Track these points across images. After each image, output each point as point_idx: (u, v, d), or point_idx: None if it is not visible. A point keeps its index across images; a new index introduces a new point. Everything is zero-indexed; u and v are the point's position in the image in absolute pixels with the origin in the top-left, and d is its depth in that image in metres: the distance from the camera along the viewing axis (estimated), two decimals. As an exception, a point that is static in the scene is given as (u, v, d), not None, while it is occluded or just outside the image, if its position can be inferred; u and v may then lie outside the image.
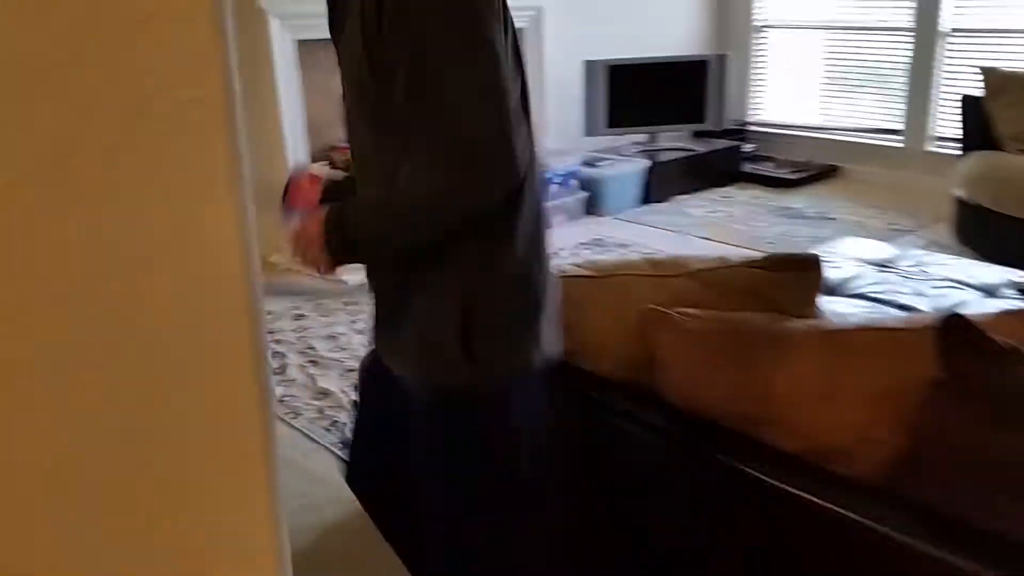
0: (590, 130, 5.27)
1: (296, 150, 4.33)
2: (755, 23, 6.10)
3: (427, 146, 1.13)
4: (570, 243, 4.50)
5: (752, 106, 6.20)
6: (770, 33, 6.07)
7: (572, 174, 4.99)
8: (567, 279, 1.62)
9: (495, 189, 1.14)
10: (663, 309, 1.39)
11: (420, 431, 1.32)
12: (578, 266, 1.66)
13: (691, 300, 1.44)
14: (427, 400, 1.30)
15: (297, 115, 4.32)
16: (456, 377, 1.25)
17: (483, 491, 1.32)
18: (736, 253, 4.04)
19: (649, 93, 5.34)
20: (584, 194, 5.05)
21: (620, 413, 1.48)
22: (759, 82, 6.19)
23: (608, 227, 4.86)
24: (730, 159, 5.75)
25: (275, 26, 4.12)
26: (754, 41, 6.13)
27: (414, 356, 1.28)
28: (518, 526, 1.35)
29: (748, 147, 5.87)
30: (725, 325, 1.35)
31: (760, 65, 6.15)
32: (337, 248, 1.23)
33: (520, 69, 1.22)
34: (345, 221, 1.22)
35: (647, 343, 1.42)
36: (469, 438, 1.30)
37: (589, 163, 5.21)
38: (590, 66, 5.14)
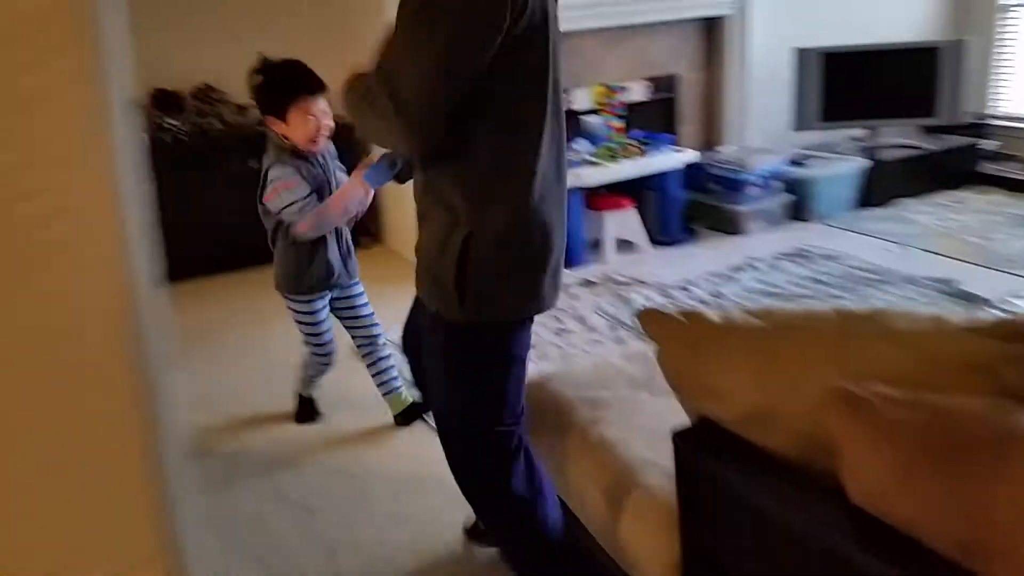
0: (800, 124, 4.78)
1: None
2: (1001, 1, 5.29)
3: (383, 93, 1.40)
4: (768, 252, 4.09)
5: (994, 97, 5.39)
6: (1021, 13, 5.24)
7: (775, 174, 4.55)
8: (734, 327, 1.35)
9: (412, 143, 1.43)
10: (853, 388, 1.08)
11: (426, 337, 1.67)
12: (749, 312, 1.37)
13: (890, 373, 1.12)
14: (430, 316, 1.60)
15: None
16: (450, 313, 1.54)
17: (459, 395, 1.65)
18: (969, 272, 3.61)
19: (870, 83, 4.76)
20: (789, 197, 4.59)
21: (788, 501, 1.19)
22: (1004, 69, 5.36)
23: (816, 235, 4.38)
24: (965, 158, 5.03)
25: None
26: (999, 22, 5.32)
27: (425, 286, 1.59)
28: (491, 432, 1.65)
29: (988, 144, 5.10)
30: (935, 416, 1.03)
31: (1006, 50, 5.33)
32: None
33: (548, 73, 1.49)
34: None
35: (830, 426, 1.12)
36: (455, 358, 1.61)
37: (797, 162, 4.73)
38: (802, 54, 4.66)
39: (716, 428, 1.37)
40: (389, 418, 2.77)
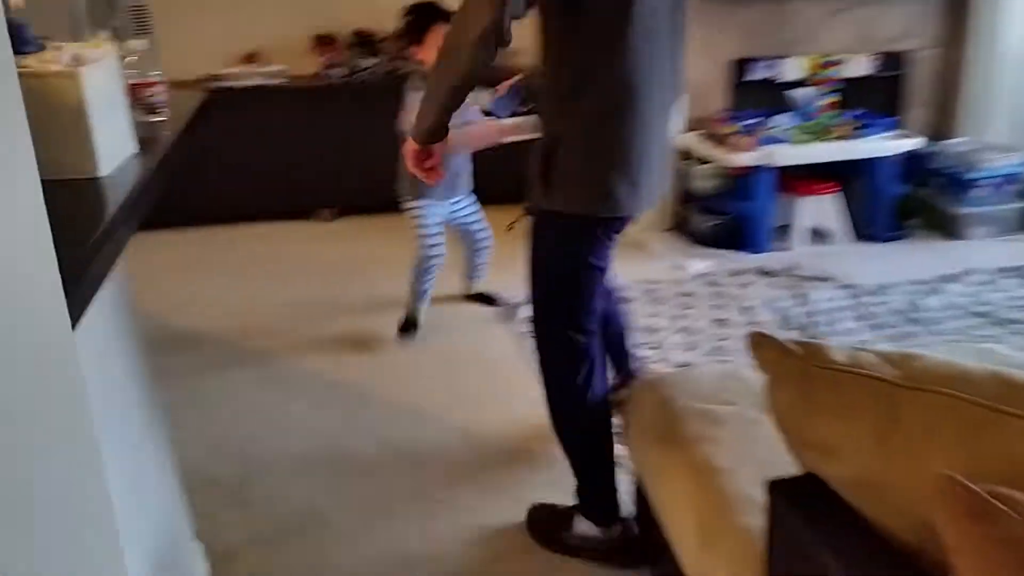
0: (1057, 120, 4.08)
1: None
2: None
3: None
4: (988, 264, 3.54)
5: None
6: None
7: (1013, 176, 3.91)
8: (859, 372, 1.10)
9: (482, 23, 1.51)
10: (969, 485, 0.83)
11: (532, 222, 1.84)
12: (884, 356, 1.11)
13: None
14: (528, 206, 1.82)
15: (678, 78, 3.94)
16: (536, 199, 1.76)
17: (551, 272, 1.83)
18: None
19: None
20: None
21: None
22: None
23: (1053, 250, 3.74)
24: None
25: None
26: None
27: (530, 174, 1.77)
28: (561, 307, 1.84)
29: None
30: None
31: None
32: (422, 136, 1.76)
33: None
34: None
35: (939, 522, 0.87)
36: (536, 246, 1.82)
37: (1045, 163, 4.05)
38: (1072, 38, 3.94)
39: (821, 486, 1.14)
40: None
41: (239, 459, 2.37)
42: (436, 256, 3.01)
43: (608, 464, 1.94)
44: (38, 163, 1.15)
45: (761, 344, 1.22)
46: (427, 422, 2.52)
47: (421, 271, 3.04)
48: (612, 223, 1.77)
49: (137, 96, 1.51)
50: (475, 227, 3.13)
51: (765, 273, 3.55)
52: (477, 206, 3.12)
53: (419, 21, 2.79)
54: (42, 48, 1.25)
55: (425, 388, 2.72)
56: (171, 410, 1.91)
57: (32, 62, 1.16)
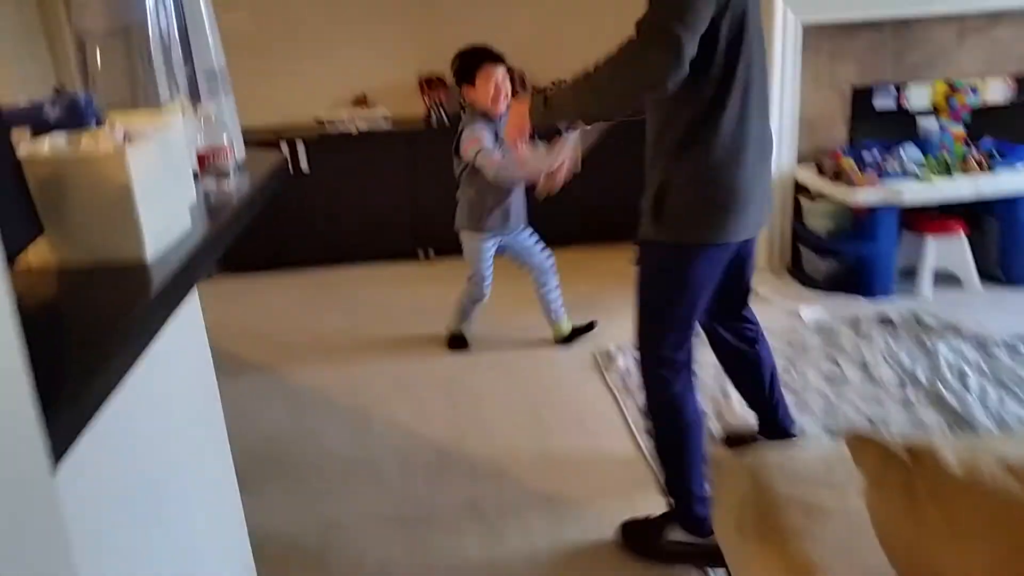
0: None
1: (782, 149, 3.76)
2: None
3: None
4: None
5: None
6: None
7: None
8: (978, 486, 0.93)
9: (658, 75, 1.64)
10: None
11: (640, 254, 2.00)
12: (1008, 467, 0.93)
13: None
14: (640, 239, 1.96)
15: (790, 109, 3.73)
16: (647, 233, 1.91)
17: (651, 300, 1.99)
18: None
19: None
20: None
21: None
22: None
23: None
24: None
25: (780, 8, 3.57)
26: None
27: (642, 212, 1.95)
28: (665, 329, 1.99)
29: None
30: None
31: None
32: (537, 112, 1.89)
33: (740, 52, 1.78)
34: (550, 88, 1.91)
35: None
36: (645, 272, 1.97)
37: None
38: None
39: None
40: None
41: (319, 520, 2.33)
42: (487, 287, 3.22)
43: (698, 480, 2.05)
44: (81, 246, 1.14)
45: (861, 446, 1.06)
46: (511, 483, 2.41)
47: (470, 302, 3.27)
48: (710, 250, 1.90)
49: (206, 163, 1.50)
50: (537, 248, 3.25)
51: (886, 321, 3.28)
52: (535, 235, 3.26)
53: (469, 64, 2.96)
54: (100, 122, 1.24)
55: (512, 445, 2.62)
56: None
57: (86, 140, 1.14)
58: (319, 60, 4.70)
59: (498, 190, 3.01)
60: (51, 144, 1.11)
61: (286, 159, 1.88)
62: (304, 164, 4.33)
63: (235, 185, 1.54)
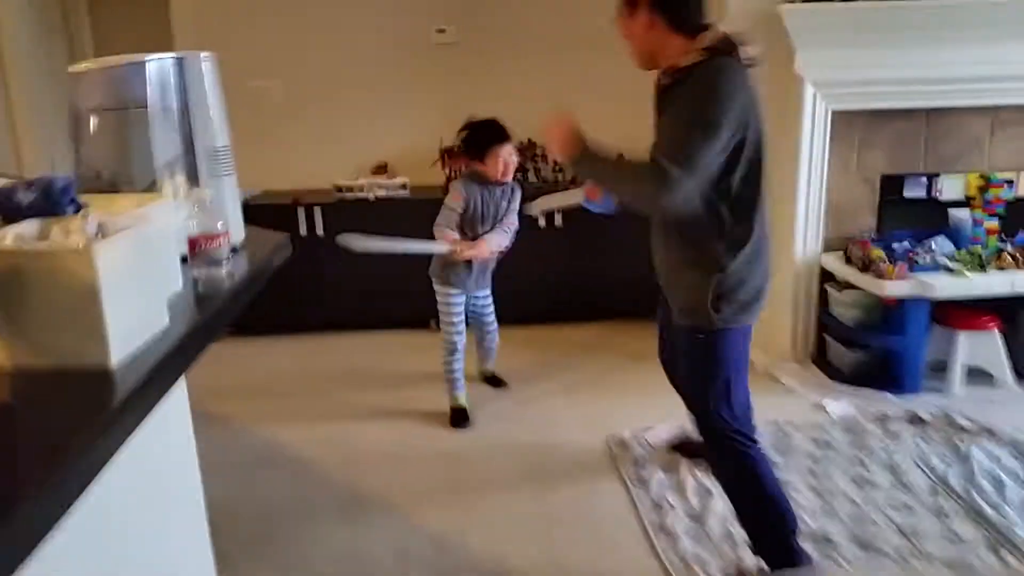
0: None
1: (807, 235, 3.65)
2: None
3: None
4: None
5: None
6: None
7: None
8: None
9: (652, 204, 2.04)
10: None
11: (680, 339, 2.23)
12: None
13: None
14: (684, 327, 2.16)
15: (816, 195, 3.63)
16: (704, 324, 2.08)
17: (702, 374, 2.16)
18: None
19: None
20: None
21: None
22: None
23: None
24: None
25: (810, 95, 3.49)
26: None
27: (683, 310, 2.15)
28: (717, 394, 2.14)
29: None
30: None
31: None
32: (574, 149, 2.01)
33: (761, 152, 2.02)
34: (593, 144, 2.01)
35: None
36: (702, 352, 2.14)
37: None
38: None
39: None
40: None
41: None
42: (459, 337, 3.25)
43: (789, 516, 2.18)
44: (39, 349, 1.05)
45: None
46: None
47: (447, 354, 3.27)
48: (750, 329, 2.15)
49: (197, 249, 1.41)
50: (488, 318, 3.43)
51: (916, 420, 3.11)
52: (491, 300, 3.41)
53: (479, 140, 3.06)
54: (78, 209, 1.16)
55: (518, 551, 2.46)
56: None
57: (55, 230, 1.06)
58: (344, 127, 4.71)
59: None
60: (15, 235, 1.03)
61: (289, 240, 1.80)
62: (320, 229, 4.28)
63: (230, 270, 1.45)
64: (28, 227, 1.06)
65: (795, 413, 3.22)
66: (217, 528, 1.78)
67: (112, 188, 1.42)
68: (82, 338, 1.00)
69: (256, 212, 4.33)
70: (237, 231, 1.61)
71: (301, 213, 4.27)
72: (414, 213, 4.30)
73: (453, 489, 2.77)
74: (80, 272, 0.98)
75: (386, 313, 4.42)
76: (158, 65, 1.49)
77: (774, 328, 3.67)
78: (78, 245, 0.99)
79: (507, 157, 3.05)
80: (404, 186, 4.36)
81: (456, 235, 3.09)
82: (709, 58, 1.90)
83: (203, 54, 1.57)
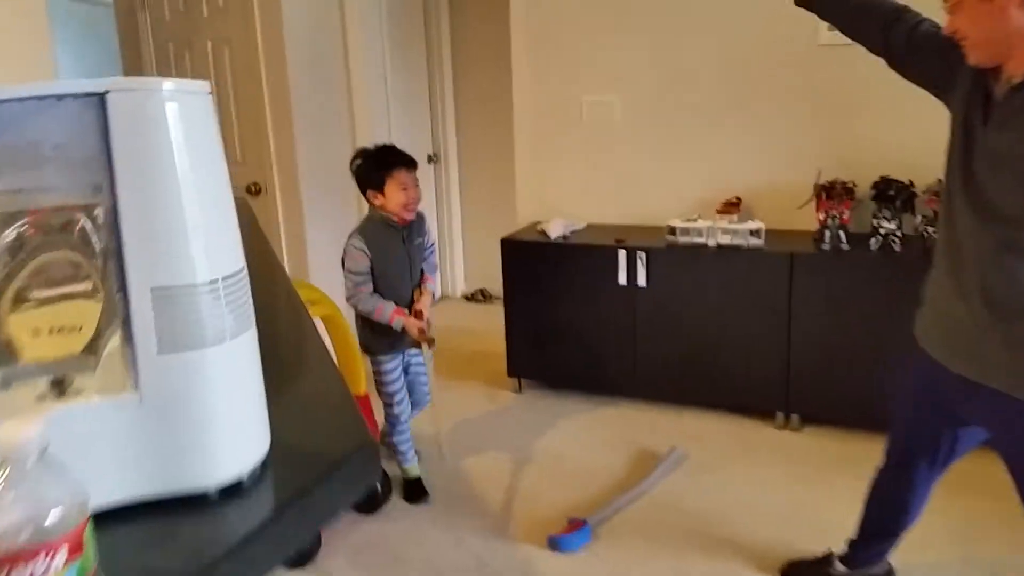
0: None
1: None
2: None
3: None
4: None
5: None
6: None
7: None
8: None
9: None
10: None
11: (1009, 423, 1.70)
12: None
13: None
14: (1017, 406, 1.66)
15: None
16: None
17: None
18: None
19: None
20: None
21: None
22: None
23: None
24: None
25: None
26: None
27: (1012, 373, 1.64)
28: None
29: None
30: None
31: None
32: None
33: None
34: None
35: None
36: None
37: None
38: None
39: None
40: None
41: None
42: (402, 406, 2.87)
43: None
44: None
45: None
46: None
47: (392, 427, 2.89)
48: None
49: None
50: (422, 379, 2.98)
51: None
52: (427, 363, 2.96)
53: (376, 167, 2.68)
54: None
55: None
56: None
57: None
58: (687, 150, 3.78)
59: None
60: None
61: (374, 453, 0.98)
62: (642, 279, 3.43)
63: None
64: None
65: None
66: None
67: None
68: None
69: (574, 254, 3.57)
70: (256, 442, 0.83)
71: (622, 257, 3.45)
72: (766, 268, 3.24)
73: None
74: None
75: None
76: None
77: None
78: None
79: (410, 186, 2.68)
80: (757, 232, 3.31)
81: (394, 307, 2.71)
82: None
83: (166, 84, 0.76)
